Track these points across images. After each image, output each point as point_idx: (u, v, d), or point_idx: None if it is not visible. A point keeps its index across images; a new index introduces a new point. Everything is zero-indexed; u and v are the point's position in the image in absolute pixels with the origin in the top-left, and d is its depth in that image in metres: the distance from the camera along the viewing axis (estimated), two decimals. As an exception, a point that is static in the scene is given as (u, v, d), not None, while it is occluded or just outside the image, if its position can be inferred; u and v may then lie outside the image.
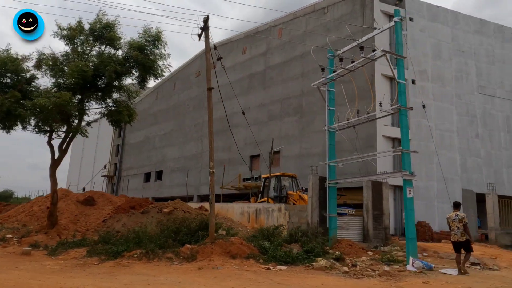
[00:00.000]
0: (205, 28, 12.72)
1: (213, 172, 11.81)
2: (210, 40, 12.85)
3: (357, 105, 14.10)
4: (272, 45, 29.91)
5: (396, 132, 22.53)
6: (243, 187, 28.51)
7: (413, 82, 23.17)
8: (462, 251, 9.79)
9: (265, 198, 18.97)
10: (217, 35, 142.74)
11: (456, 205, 10.16)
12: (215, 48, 13.40)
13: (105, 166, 54.19)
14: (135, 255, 9.84)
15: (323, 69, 14.05)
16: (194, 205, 20.40)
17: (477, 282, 8.45)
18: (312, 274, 8.38)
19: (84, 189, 61.43)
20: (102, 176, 52.48)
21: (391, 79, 23.05)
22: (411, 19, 23.97)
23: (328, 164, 14.57)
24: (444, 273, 9.26)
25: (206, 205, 24.26)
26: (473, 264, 10.64)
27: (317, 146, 24.79)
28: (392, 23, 12.83)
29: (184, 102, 39.57)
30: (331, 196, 13.56)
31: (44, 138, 15.28)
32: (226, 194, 29.26)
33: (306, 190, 19.32)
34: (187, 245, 10.38)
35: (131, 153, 48.88)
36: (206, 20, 12.63)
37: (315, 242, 11.13)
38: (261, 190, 20.72)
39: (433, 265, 9.86)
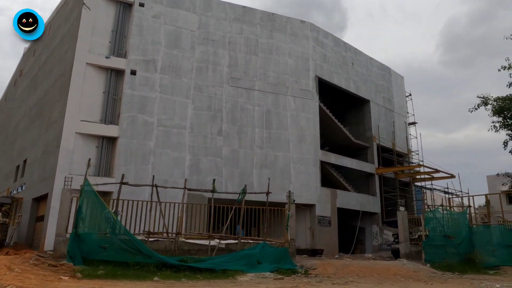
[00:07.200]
0: None
1: None
2: None
3: None
4: (43, 44, 27.25)
5: (104, 130, 19.65)
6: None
7: (133, 73, 20.40)
8: None
9: None
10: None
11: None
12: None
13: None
14: None
15: None
16: None
17: None
18: None
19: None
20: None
21: (106, 69, 20.29)
22: (141, 5, 21.44)
23: None
24: None
25: None
26: None
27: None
28: None
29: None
30: None
31: None
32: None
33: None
34: None
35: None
36: None
37: None
38: None
39: None
